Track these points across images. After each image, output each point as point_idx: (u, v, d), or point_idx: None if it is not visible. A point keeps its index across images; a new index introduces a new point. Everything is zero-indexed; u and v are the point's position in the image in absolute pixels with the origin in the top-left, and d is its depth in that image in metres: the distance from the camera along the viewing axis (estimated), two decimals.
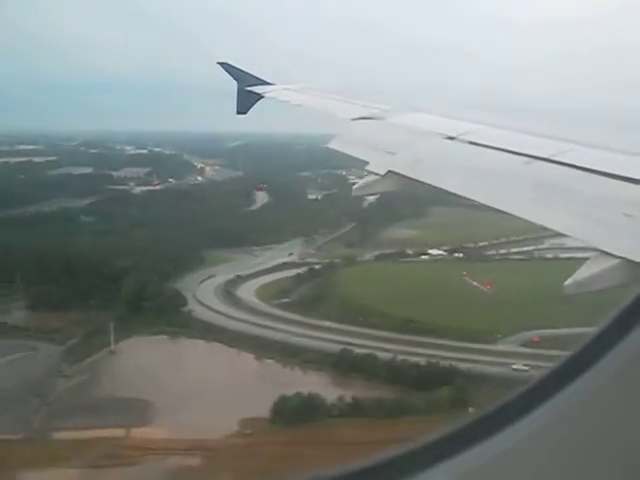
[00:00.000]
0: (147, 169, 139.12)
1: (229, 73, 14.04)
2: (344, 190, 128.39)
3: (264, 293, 72.22)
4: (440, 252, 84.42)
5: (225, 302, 69.76)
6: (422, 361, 53.26)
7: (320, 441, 43.03)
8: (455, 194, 5.42)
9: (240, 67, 14.21)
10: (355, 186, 6.66)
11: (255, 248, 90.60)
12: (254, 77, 13.98)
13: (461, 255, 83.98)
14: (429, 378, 50.20)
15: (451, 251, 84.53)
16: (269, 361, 55.96)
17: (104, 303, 64.85)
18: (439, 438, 1.96)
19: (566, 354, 2.02)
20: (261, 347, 57.79)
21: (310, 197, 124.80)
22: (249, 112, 13.85)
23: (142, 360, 54.23)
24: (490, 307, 65.27)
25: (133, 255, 75.98)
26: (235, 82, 14.01)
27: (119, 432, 43.79)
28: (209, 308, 67.36)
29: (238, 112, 13.84)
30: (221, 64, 14.20)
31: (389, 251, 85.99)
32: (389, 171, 6.20)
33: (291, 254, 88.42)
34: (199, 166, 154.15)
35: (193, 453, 41.71)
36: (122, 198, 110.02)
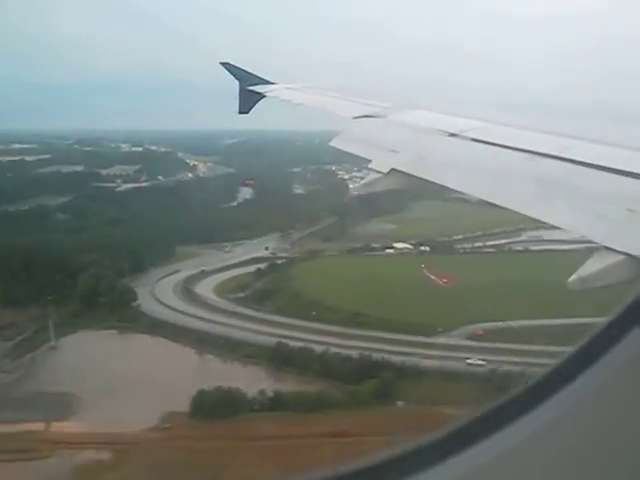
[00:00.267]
0: (137, 166, 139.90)
1: (231, 73, 14.11)
2: (330, 185, 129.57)
3: (222, 288, 72.52)
4: (406, 245, 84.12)
5: (180, 298, 70.18)
6: (354, 354, 53.09)
7: (235, 435, 43.29)
8: (458, 191, 5.46)
9: (241, 67, 14.35)
10: (359, 184, 6.81)
11: (227, 244, 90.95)
12: (256, 76, 14.08)
13: (427, 248, 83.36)
14: (359, 371, 50.12)
15: (417, 245, 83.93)
16: (209, 356, 56.14)
17: (61, 299, 65.59)
18: (439, 437, 1.97)
19: (568, 351, 2.03)
20: (204, 342, 58.04)
21: (297, 192, 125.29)
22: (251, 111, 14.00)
23: (80, 355, 54.72)
24: (442, 300, 64.99)
25: (100, 251, 76.57)
26: (235, 81, 14.11)
27: (38, 426, 44.17)
28: (162, 303, 67.76)
29: (240, 112, 13.95)
30: (223, 64, 14.30)
31: (356, 245, 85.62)
32: (392, 169, 6.21)
33: (267, 249, 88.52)
34: (192, 163, 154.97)
35: (106, 447, 42.04)
36: (103, 195, 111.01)
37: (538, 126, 6.14)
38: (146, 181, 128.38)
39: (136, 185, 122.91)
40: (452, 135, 6.39)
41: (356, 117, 8.60)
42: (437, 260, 79.30)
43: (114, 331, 61.31)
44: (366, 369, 50.32)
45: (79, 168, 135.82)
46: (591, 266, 3.52)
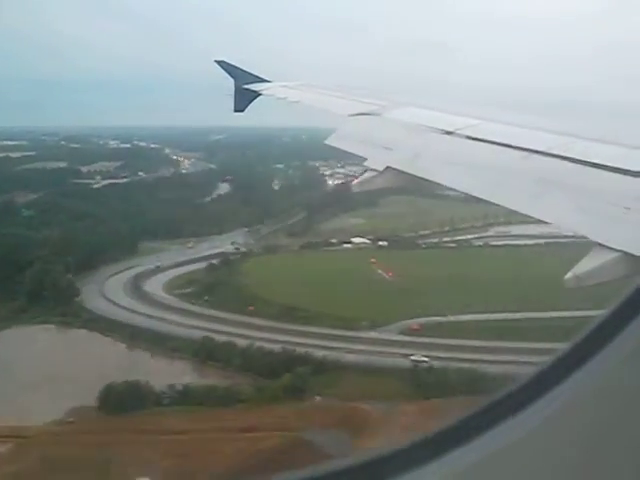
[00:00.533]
0: (119, 163, 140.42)
1: (226, 71, 14.14)
2: (308, 181, 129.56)
3: (172, 284, 72.48)
4: (363, 240, 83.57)
5: (128, 293, 70.19)
6: (277, 349, 52.78)
7: (137, 429, 43.04)
8: (453, 189, 5.47)
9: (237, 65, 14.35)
10: (355, 182, 6.69)
11: (192, 239, 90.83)
12: (251, 75, 14.09)
13: (385, 243, 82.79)
14: (279, 366, 49.74)
15: (375, 239, 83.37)
16: (137, 350, 56.02)
17: (9, 293, 65.79)
18: (434, 435, 1.95)
19: (563, 347, 1.98)
20: (137, 336, 57.95)
21: (274, 188, 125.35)
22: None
23: (7, 350, 54.74)
24: (384, 295, 64.67)
25: (55, 247, 76.61)
26: (227, 79, 14.15)
27: None
28: (108, 299, 67.82)
29: (236, 110, 13.93)
30: (218, 62, 14.32)
31: (315, 240, 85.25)
32: (387, 167, 6.23)
33: (233, 244, 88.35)
34: (176, 159, 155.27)
35: (6, 440, 41.98)
36: (78, 191, 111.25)
37: (534, 124, 6.11)
38: (125, 177, 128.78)
39: (114, 181, 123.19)
40: (447, 133, 6.38)
41: (352, 115, 8.58)
42: (393, 255, 78.89)
43: (52, 326, 61.27)
44: (286, 364, 49.85)
45: (62, 164, 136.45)
46: (587, 264, 3.52)
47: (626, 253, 3.44)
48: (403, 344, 56.13)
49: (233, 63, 14.23)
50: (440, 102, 8.54)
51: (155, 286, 72.20)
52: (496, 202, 4.84)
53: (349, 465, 1.90)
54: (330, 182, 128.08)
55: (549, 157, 4.92)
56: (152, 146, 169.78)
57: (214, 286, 68.21)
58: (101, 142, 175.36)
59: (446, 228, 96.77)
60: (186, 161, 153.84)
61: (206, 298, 66.10)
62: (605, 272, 3.45)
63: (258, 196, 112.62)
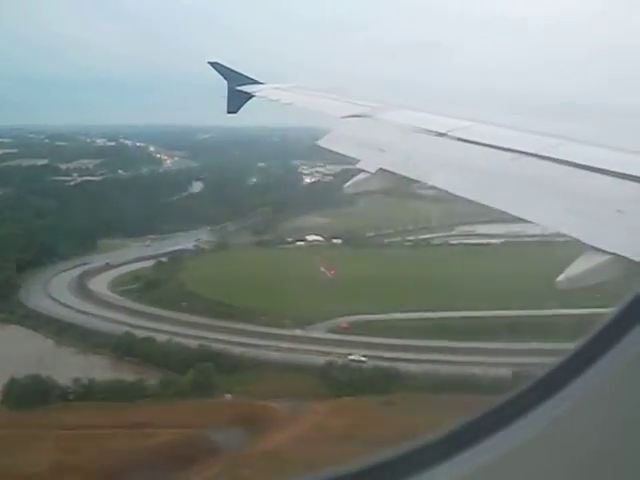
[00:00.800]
0: (100, 160, 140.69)
1: (219, 72, 14.20)
2: (285, 180, 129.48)
3: (117, 281, 72.49)
4: (317, 238, 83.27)
5: (71, 290, 70.15)
6: (194, 345, 52.66)
7: (34, 425, 42.87)
8: (445, 191, 5.49)
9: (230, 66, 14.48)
10: (347, 184, 6.70)
11: (152, 237, 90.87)
12: (244, 76, 14.14)
13: (340, 241, 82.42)
14: (193, 362, 49.49)
15: (329, 238, 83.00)
16: (62, 346, 56.05)
17: None
18: (441, 437, 1.96)
19: (571, 348, 2.00)
20: (64, 332, 58.01)
21: (248, 186, 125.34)
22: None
23: None
24: (321, 292, 64.29)
25: (8, 244, 76.82)
26: (221, 79, 14.23)
27: None
28: (50, 296, 67.87)
29: (229, 111, 14.06)
30: (212, 64, 14.37)
31: (270, 238, 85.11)
32: (380, 169, 6.26)
33: (198, 240, 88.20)
34: (159, 157, 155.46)
35: None
36: (49, 188, 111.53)
37: (525, 126, 6.13)
38: (102, 175, 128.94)
39: (90, 179, 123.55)
40: (440, 135, 6.39)
41: (345, 117, 8.64)
42: (345, 253, 78.74)
43: None
44: (200, 360, 49.62)
45: (43, 162, 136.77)
46: (579, 266, 3.54)
47: (618, 255, 3.41)
48: (328, 342, 55.84)
49: (226, 64, 14.35)
50: (432, 104, 8.52)
51: (101, 283, 72.24)
52: (487, 204, 4.82)
53: (354, 470, 1.88)
54: (307, 180, 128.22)
55: (540, 159, 4.89)
56: (138, 144, 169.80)
57: (155, 283, 68.25)
58: (88, 140, 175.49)
59: (411, 227, 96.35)
60: (169, 160, 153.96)
61: (139, 294, 65.99)
62: (597, 274, 3.47)
63: (230, 194, 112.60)
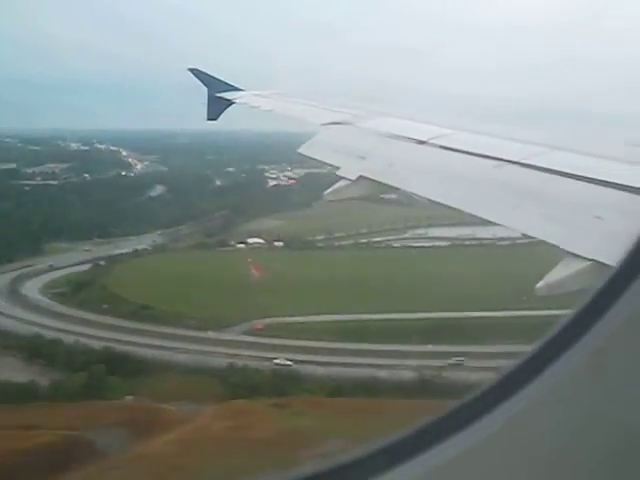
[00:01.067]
0: (68, 165, 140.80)
1: (199, 79, 14.30)
2: (249, 184, 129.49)
3: (50, 284, 72.31)
4: (257, 241, 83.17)
5: (2, 293, 69.95)
6: (99, 347, 52.45)
7: None
8: (426, 199, 5.52)
9: (210, 73, 14.55)
10: (327, 191, 6.68)
11: (99, 240, 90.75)
12: (224, 83, 14.25)
13: (281, 244, 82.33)
14: (97, 364, 49.23)
15: (271, 240, 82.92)
16: None
17: None
18: (394, 441, 1.95)
19: (536, 344, 2.01)
20: None
21: (209, 190, 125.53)
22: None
23: None
24: (246, 295, 63.87)
25: None
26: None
27: None
28: None
29: (209, 118, 14.11)
30: (191, 70, 14.51)
31: (211, 240, 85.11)
32: (360, 176, 6.25)
33: (154, 241, 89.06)
34: (130, 162, 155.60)
35: None
36: (3, 193, 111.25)
37: (506, 134, 6.13)
38: (66, 179, 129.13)
39: (51, 182, 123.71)
40: (421, 142, 6.39)
41: (325, 124, 8.61)
42: (283, 255, 78.67)
43: None
44: (105, 362, 49.33)
45: (10, 166, 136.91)
46: (558, 272, 3.59)
47: (597, 262, 3.44)
48: (239, 344, 55.60)
49: (208, 68, 14.57)
50: (413, 111, 8.59)
51: (34, 286, 72.00)
52: (468, 211, 4.85)
53: (330, 466, 1.87)
54: (271, 184, 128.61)
55: (521, 167, 4.90)
56: (112, 148, 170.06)
57: (84, 286, 68.14)
58: (63, 144, 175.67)
59: (364, 230, 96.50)
60: (140, 164, 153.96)
61: (66, 297, 65.90)
62: (576, 281, 3.47)
63: (190, 198, 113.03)
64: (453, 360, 49.87)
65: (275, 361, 53.10)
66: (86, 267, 77.30)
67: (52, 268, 77.16)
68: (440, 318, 56.25)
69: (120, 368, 49.10)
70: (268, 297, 62.97)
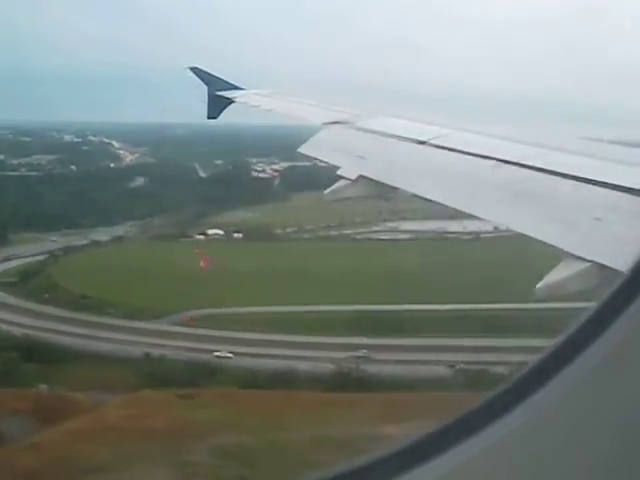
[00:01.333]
0: (55, 156, 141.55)
1: (199, 77, 14.56)
2: (232, 176, 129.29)
3: (4, 273, 72.48)
4: (218, 232, 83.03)
5: None
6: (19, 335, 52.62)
7: None
8: (426, 199, 5.59)
9: (211, 71, 14.77)
10: (326, 191, 6.77)
11: (68, 231, 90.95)
12: (224, 81, 14.45)
13: (240, 235, 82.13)
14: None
15: (230, 232, 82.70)
16: None
17: None
18: (415, 441, 1.96)
19: (544, 352, 2.03)
20: None
21: (190, 183, 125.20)
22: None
23: None
24: (187, 286, 63.73)
25: None
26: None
27: None
28: None
29: (209, 117, 14.33)
30: (192, 69, 14.75)
31: (173, 232, 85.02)
32: (360, 176, 6.33)
33: (129, 230, 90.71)
34: (121, 154, 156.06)
35: None
36: None
37: (506, 134, 6.21)
38: (50, 170, 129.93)
39: (33, 174, 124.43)
40: (421, 142, 6.43)
41: (325, 123, 8.69)
42: (240, 247, 78.54)
43: None
44: (23, 351, 49.30)
45: None
46: (558, 274, 3.59)
47: (597, 263, 3.45)
48: (166, 335, 55.47)
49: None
50: (413, 111, 8.71)
51: None
52: (468, 211, 4.89)
53: (347, 470, 1.84)
54: (255, 176, 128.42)
55: (520, 167, 4.92)
56: (104, 141, 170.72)
57: (32, 275, 68.29)
58: (57, 136, 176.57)
59: (334, 223, 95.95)
60: (130, 156, 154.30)
61: (14, 287, 66.08)
62: (576, 282, 3.49)
63: (169, 190, 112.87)
64: (360, 352, 49.35)
65: (215, 353, 52.87)
66: (40, 258, 77.39)
67: (6, 259, 77.24)
68: (368, 311, 55.76)
69: (38, 356, 48.97)
70: (208, 288, 62.80)
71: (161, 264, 68.77)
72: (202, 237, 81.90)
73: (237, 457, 30.05)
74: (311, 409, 38.38)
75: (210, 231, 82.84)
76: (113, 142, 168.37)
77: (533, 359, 1.89)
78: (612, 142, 5.42)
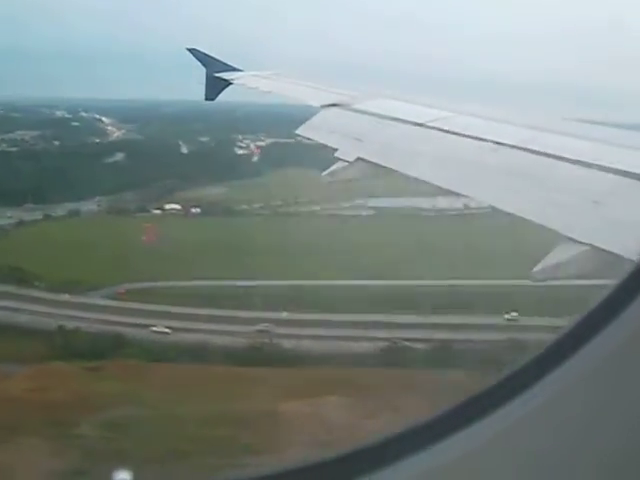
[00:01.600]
0: (38, 132, 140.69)
1: (197, 59, 15.02)
2: (213, 152, 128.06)
3: None
4: (175, 207, 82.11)
5: None
6: None
7: None
8: (423, 181, 5.59)
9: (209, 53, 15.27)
10: (325, 173, 6.97)
11: (31, 206, 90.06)
12: (222, 63, 14.84)
13: (198, 210, 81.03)
14: None
15: (188, 207, 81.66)
16: None
17: None
18: (419, 425, 1.91)
19: (547, 342, 1.96)
20: None
21: (171, 158, 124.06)
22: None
23: None
24: (127, 260, 62.70)
25: None
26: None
27: None
28: None
29: (207, 98, 14.70)
30: (190, 50, 15.08)
31: (130, 206, 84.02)
32: (358, 158, 6.53)
33: (94, 206, 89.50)
34: (109, 130, 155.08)
35: None
36: None
37: (503, 117, 6.30)
38: (32, 145, 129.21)
39: (12, 150, 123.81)
40: (418, 125, 6.59)
41: (323, 105, 8.79)
42: (195, 222, 78.04)
43: None
44: None
45: None
46: (555, 257, 3.60)
47: (594, 247, 3.46)
48: (93, 308, 54.51)
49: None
50: (413, 92, 8.70)
51: None
52: (465, 194, 4.95)
53: (332, 458, 1.85)
54: (237, 153, 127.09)
55: (518, 150, 4.99)
56: (95, 117, 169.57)
57: None
58: (48, 112, 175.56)
59: (304, 199, 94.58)
60: (118, 132, 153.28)
61: None
62: (573, 265, 3.49)
63: (146, 165, 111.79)
64: (261, 326, 48.16)
65: (152, 328, 51.93)
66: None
67: None
68: (302, 286, 54.56)
69: None
70: (150, 262, 61.72)
71: (108, 238, 67.84)
72: (159, 212, 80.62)
73: (125, 430, 29.59)
74: (217, 384, 37.73)
75: (167, 206, 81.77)
76: (103, 118, 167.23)
77: (533, 352, 1.83)
78: (614, 125, 5.40)
